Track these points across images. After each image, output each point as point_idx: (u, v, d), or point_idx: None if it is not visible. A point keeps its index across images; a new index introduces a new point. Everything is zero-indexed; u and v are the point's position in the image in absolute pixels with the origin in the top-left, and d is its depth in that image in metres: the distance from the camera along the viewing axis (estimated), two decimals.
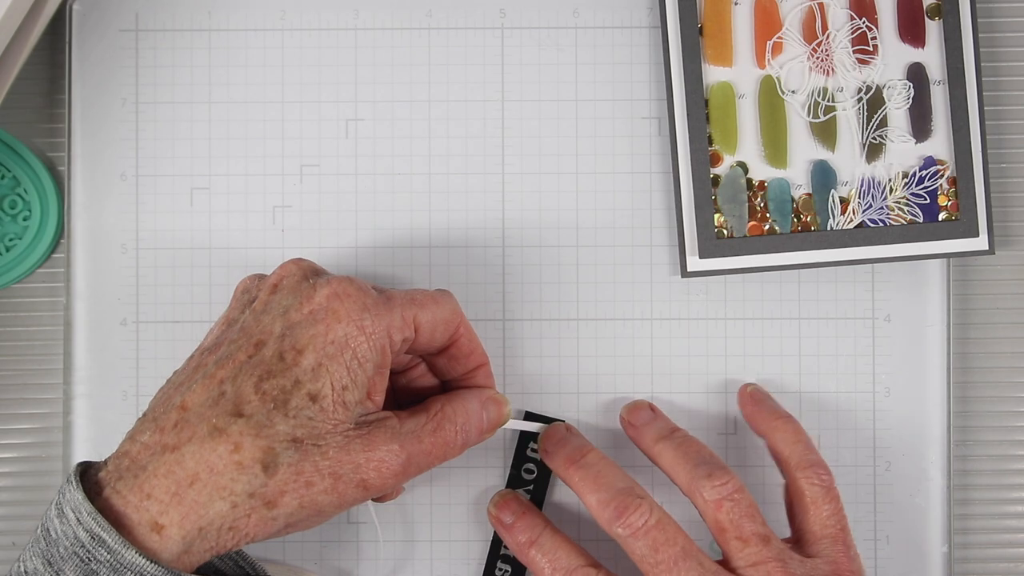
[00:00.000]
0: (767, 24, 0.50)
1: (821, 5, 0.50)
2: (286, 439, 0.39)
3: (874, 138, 0.50)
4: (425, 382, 0.48)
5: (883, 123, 0.50)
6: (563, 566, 0.45)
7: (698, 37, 0.50)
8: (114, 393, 0.50)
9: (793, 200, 0.50)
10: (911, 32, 0.50)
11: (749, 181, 0.50)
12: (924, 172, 0.50)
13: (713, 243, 0.49)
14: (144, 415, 0.40)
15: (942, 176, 0.50)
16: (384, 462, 0.40)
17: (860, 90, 0.50)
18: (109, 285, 0.51)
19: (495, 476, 0.51)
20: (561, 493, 0.51)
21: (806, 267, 0.50)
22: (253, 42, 0.51)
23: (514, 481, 0.50)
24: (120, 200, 0.51)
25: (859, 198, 0.50)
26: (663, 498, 0.49)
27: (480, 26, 0.51)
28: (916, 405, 0.51)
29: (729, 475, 0.44)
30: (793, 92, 0.50)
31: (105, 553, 0.36)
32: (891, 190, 0.50)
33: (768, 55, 0.50)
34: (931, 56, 0.50)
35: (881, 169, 0.50)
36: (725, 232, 0.50)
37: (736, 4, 0.50)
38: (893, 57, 0.50)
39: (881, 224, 0.50)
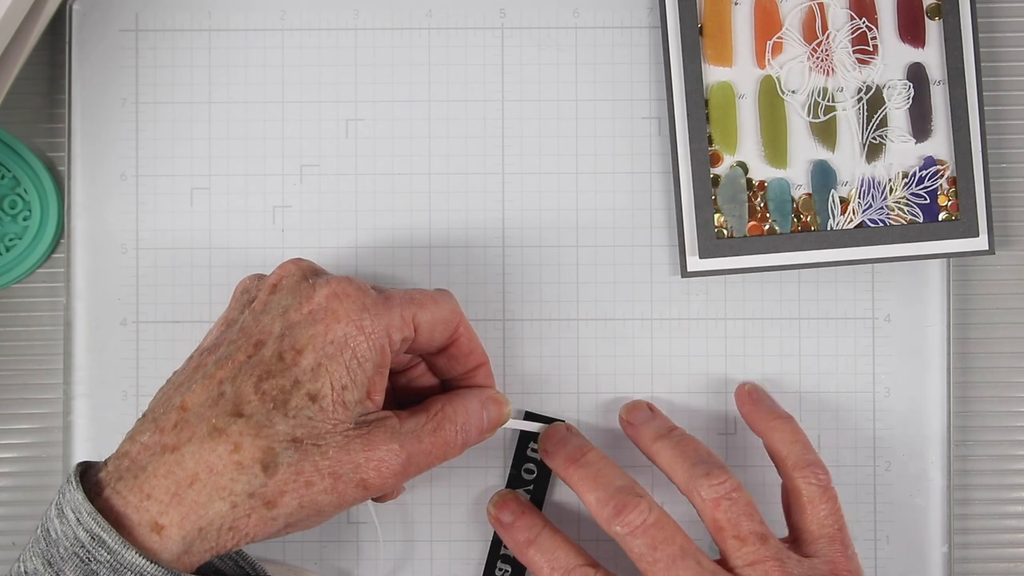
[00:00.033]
0: (767, 24, 0.50)
1: (821, 5, 0.50)
2: (286, 439, 0.39)
3: (874, 138, 0.50)
4: (425, 382, 0.48)
5: (883, 123, 0.50)
6: (561, 565, 0.45)
7: (698, 37, 0.50)
8: (114, 393, 0.50)
9: (793, 200, 0.50)
10: (911, 32, 0.50)
11: (749, 181, 0.50)
12: (924, 172, 0.50)
13: (713, 243, 0.49)
14: (144, 416, 0.40)
15: (942, 176, 0.50)
16: (384, 462, 0.40)
17: (860, 90, 0.50)
18: (109, 285, 0.51)
19: (495, 476, 0.51)
20: (561, 493, 0.51)
21: (806, 267, 0.50)
22: (253, 42, 0.51)
23: (514, 481, 0.50)
24: (120, 200, 0.51)
25: (859, 198, 0.50)
26: (663, 497, 0.49)
27: (480, 26, 0.51)
28: (916, 405, 0.51)
29: (727, 474, 0.44)
30: (793, 92, 0.50)
31: (105, 553, 0.36)
32: (891, 190, 0.50)
33: (768, 55, 0.50)
34: (931, 56, 0.50)
35: (881, 169, 0.50)
36: (725, 232, 0.50)
37: (736, 4, 0.50)
38: (893, 57, 0.50)
39: (881, 224, 0.50)
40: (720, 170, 0.50)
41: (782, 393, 0.51)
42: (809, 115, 0.50)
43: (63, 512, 0.37)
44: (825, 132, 0.50)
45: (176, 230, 0.51)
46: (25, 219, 0.51)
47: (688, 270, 0.50)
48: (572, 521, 0.51)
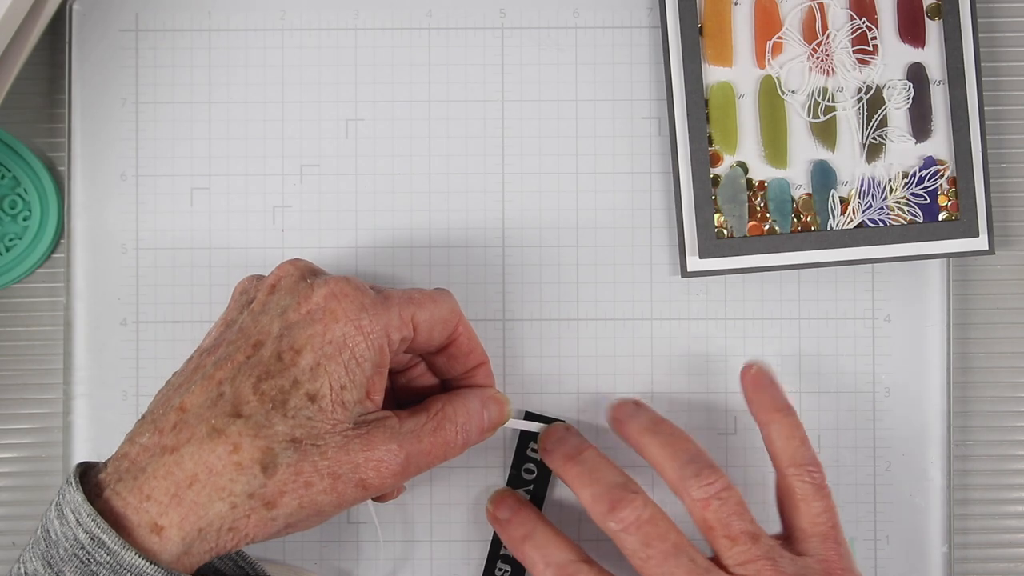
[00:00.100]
0: (767, 24, 0.50)
1: (821, 5, 0.50)
2: (285, 439, 0.39)
3: (874, 138, 0.50)
4: (425, 381, 0.48)
5: (883, 123, 0.50)
6: (555, 561, 0.45)
7: (698, 37, 0.50)
8: (114, 393, 0.50)
9: (793, 200, 0.50)
10: (911, 32, 0.50)
11: (749, 181, 0.50)
12: (924, 172, 0.50)
13: (713, 243, 0.49)
14: (143, 417, 0.40)
15: (942, 176, 0.50)
16: (383, 462, 0.40)
17: (860, 90, 0.50)
18: (109, 285, 0.51)
19: (495, 476, 0.51)
20: (562, 493, 0.51)
21: (806, 267, 0.50)
22: (253, 42, 0.51)
23: (514, 481, 0.50)
24: (120, 200, 0.51)
25: (859, 198, 0.50)
26: (662, 496, 0.49)
27: (480, 26, 0.51)
28: (916, 405, 0.51)
29: (716, 473, 0.44)
30: (793, 92, 0.50)
31: (105, 555, 0.36)
32: (891, 190, 0.50)
33: (768, 55, 0.50)
34: (931, 56, 0.50)
35: (881, 169, 0.50)
36: (725, 232, 0.50)
37: (736, 4, 0.50)
38: (893, 57, 0.50)
39: (881, 224, 0.50)
40: (720, 170, 0.50)
41: None
42: (809, 115, 0.50)
43: (63, 513, 0.37)
44: (825, 132, 0.50)
45: (176, 230, 0.51)
46: (25, 219, 0.51)
47: (688, 270, 0.50)
48: (572, 521, 0.51)
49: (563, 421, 0.50)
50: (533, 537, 0.46)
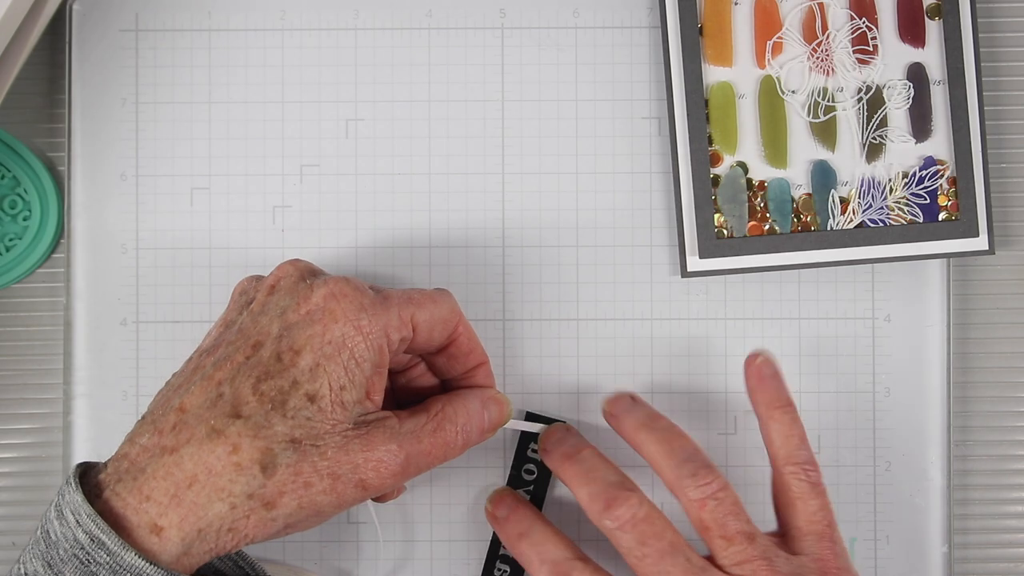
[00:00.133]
0: (767, 24, 0.50)
1: (821, 5, 0.50)
2: (284, 440, 0.39)
3: (874, 138, 0.50)
4: (425, 382, 0.48)
5: (883, 123, 0.50)
6: (550, 558, 0.45)
7: (698, 37, 0.50)
8: (114, 393, 0.50)
9: (793, 200, 0.50)
10: (911, 32, 0.50)
11: (749, 181, 0.50)
12: (924, 172, 0.50)
13: (713, 243, 0.49)
14: (143, 417, 0.40)
15: (942, 176, 0.50)
16: (382, 462, 0.40)
17: (860, 90, 0.50)
18: (109, 285, 0.51)
19: (495, 476, 0.51)
20: (562, 493, 0.51)
21: (806, 267, 0.50)
22: (253, 42, 0.51)
23: (514, 481, 0.50)
24: (120, 200, 0.51)
25: (859, 198, 0.50)
26: (663, 497, 0.49)
27: (480, 26, 0.51)
28: (916, 405, 0.51)
29: (713, 474, 0.44)
30: (793, 92, 0.50)
31: (104, 555, 0.36)
32: (891, 190, 0.50)
33: (768, 55, 0.50)
34: (931, 56, 0.50)
35: (881, 169, 0.50)
36: (725, 232, 0.50)
37: (736, 4, 0.50)
38: (893, 57, 0.50)
39: (881, 224, 0.50)
40: (720, 170, 0.50)
41: None
42: (809, 115, 0.50)
43: (62, 514, 0.37)
44: (825, 132, 0.50)
45: (176, 230, 0.51)
46: (25, 219, 0.51)
47: (688, 270, 0.50)
48: (573, 520, 0.51)
49: (563, 421, 0.50)
50: (529, 535, 0.46)
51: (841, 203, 0.50)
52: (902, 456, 0.51)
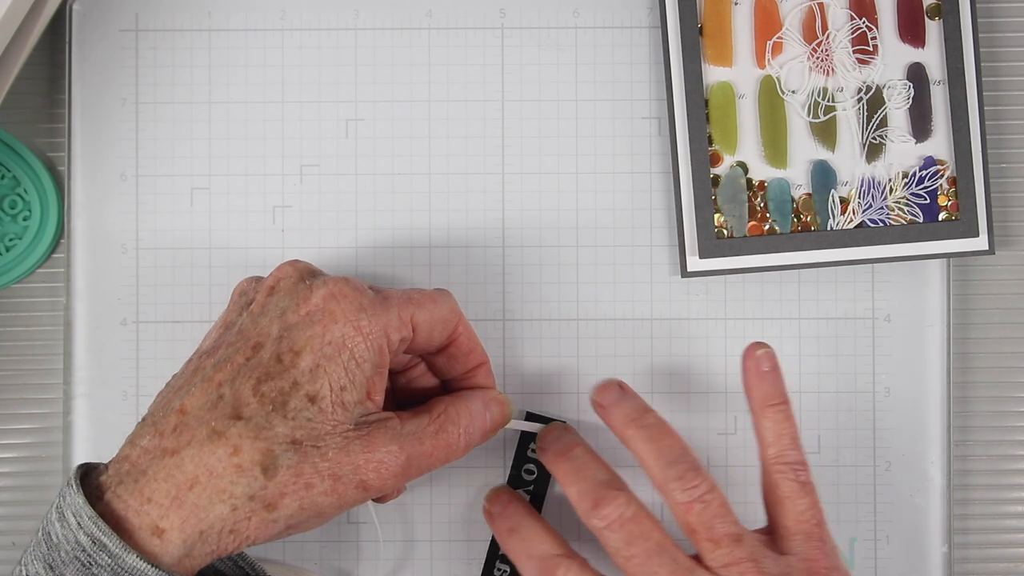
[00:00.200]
0: (767, 24, 0.50)
1: (821, 5, 0.50)
2: (285, 441, 0.39)
3: (874, 138, 0.50)
4: (425, 382, 0.48)
5: (883, 123, 0.50)
6: (537, 554, 0.45)
7: (698, 37, 0.50)
8: (114, 393, 0.50)
9: (793, 200, 0.50)
10: (911, 32, 0.50)
11: (749, 181, 0.50)
12: (924, 172, 0.50)
13: (713, 243, 0.49)
14: (143, 419, 0.40)
15: (942, 176, 0.50)
16: (383, 463, 0.40)
17: (860, 90, 0.50)
18: (109, 285, 0.51)
19: (495, 476, 0.51)
20: (563, 491, 0.51)
21: (806, 267, 0.50)
22: (253, 42, 0.51)
23: (514, 481, 0.50)
24: (120, 200, 0.51)
25: (859, 198, 0.50)
26: (655, 495, 0.48)
27: (480, 26, 0.51)
28: (916, 405, 0.51)
29: (700, 476, 0.43)
30: (793, 92, 0.50)
31: (106, 558, 0.36)
32: (891, 190, 0.50)
33: (768, 55, 0.50)
34: (931, 56, 0.50)
35: (881, 169, 0.50)
36: (725, 232, 0.50)
37: (736, 4, 0.50)
38: (893, 57, 0.50)
39: (881, 224, 0.50)
40: (720, 170, 0.50)
41: None
42: (809, 115, 0.50)
43: (64, 516, 0.37)
44: (825, 132, 0.50)
45: (176, 230, 0.51)
46: (25, 219, 0.51)
47: (688, 270, 0.50)
48: (574, 520, 0.51)
49: (563, 421, 0.50)
50: (519, 530, 0.46)
51: (841, 203, 0.50)
52: (902, 456, 0.51)
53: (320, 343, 0.40)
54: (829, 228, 0.50)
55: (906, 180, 0.50)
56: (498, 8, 0.51)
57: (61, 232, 0.51)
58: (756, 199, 0.50)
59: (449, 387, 0.48)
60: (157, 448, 0.38)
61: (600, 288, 0.51)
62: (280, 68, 0.51)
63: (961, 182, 0.50)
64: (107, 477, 0.38)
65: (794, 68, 0.50)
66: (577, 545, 0.48)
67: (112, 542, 0.36)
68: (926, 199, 0.50)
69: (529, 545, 0.45)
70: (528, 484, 0.50)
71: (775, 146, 0.50)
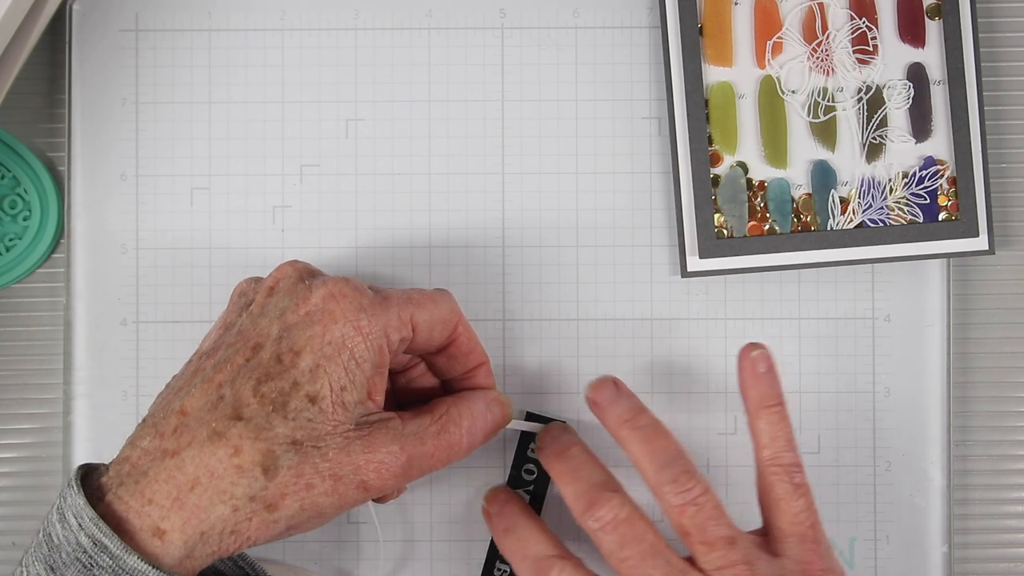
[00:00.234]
0: (767, 24, 0.50)
1: (821, 5, 0.50)
2: (285, 441, 0.39)
3: (874, 138, 0.50)
4: (425, 382, 0.48)
5: (883, 123, 0.50)
6: (531, 554, 0.45)
7: (698, 37, 0.50)
8: (114, 393, 0.50)
9: (793, 200, 0.50)
10: (911, 32, 0.50)
11: (749, 181, 0.50)
12: (924, 172, 0.50)
13: (713, 243, 0.49)
14: (144, 420, 0.40)
15: (942, 176, 0.50)
16: (384, 464, 0.40)
17: (860, 90, 0.50)
18: (109, 285, 0.51)
19: (495, 476, 0.51)
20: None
21: (806, 267, 0.50)
22: (253, 42, 0.51)
23: (514, 481, 0.50)
24: (120, 200, 0.51)
25: (859, 198, 0.50)
26: (651, 496, 0.48)
27: (480, 26, 0.51)
28: (916, 405, 0.51)
29: (693, 479, 0.43)
30: (793, 92, 0.50)
31: (107, 559, 0.36)
32: (891, 190, 0.50)
33: (768, 55, 0.50)
34: (931, 56, 0.50)
35: (881, 169, 0.50)
36: (725, 232, 0.50)
37: (736, 4, 0.50)
38: (893, 57, 0.50)
39: (881, 224, 0.50)
40: (720, 170, 0.50)
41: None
42: (809, 115, 0.50)
43: (65, 517, 0.37)
44: (825, 132, 0.50)
45: (176, 230, 0.51)
46: (25, 219, 0.51)
47: (688, 270, 0.50)
48: (573, 521, 0.51)
49: (563, 421, 0.50)
50: (515, 530, 0.46)
51: (841, 203, 0.50)
52: (902, 456, 0.51)
53: (320, 343, 0.40)
54: (829, 228, 0.50)
55: (906, 180, 0.50)
56: (498, 8, 0.51)
57: (61, 232, 0.51)
58: (756, 199, 0.50)
59: (449, 387, 0.48)
60: (158, 449, 0.38)
61: (600, 288, 0.51)
62: (280, 68, 0.51)
63: (961, 182, 0.50)
64: (108, 478, 0.38)
65: (794, 68, 0.50)
66: (576, 545, 0.48)
67: (113, 543, 0.36)
68: (926, 199, 0.50)
69: (524, 545, 0.45)
70: (528, 484, 0.50)
71: (775, 146, 0.50)
